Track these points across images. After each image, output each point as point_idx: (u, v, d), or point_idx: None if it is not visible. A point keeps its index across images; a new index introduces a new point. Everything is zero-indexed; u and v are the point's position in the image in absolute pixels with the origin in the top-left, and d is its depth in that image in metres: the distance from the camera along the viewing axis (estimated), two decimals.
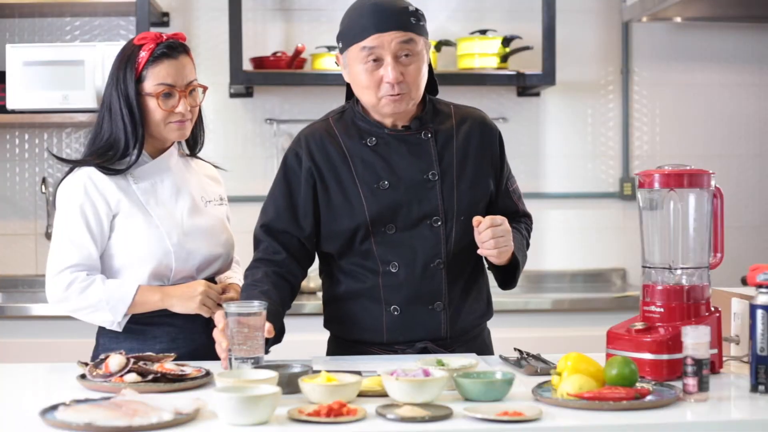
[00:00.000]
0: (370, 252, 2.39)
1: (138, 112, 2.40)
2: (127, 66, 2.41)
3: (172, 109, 2.42)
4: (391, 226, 2.38)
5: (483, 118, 2.52)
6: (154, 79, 2.40)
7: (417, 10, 2.38)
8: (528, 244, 2.55)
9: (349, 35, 2.36)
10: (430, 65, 2.47)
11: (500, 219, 2.30)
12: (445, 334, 2.41)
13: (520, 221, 2.55)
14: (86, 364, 2.15)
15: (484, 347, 2.52)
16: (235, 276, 2.63)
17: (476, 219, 2.30)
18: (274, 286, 2.37)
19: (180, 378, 2.05)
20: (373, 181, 2.39)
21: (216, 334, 2.20)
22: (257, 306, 2.16)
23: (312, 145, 2.43)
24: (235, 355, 2.14)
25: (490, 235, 2.28)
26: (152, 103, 2.41)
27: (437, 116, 2.47)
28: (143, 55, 2.40)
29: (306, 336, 2.67)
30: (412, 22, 2.34)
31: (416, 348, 2.39)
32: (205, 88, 2.51)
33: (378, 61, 2.32)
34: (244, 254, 2.76)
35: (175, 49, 2.43)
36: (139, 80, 2.40)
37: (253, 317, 2.14)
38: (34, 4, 4.17)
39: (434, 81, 2.51)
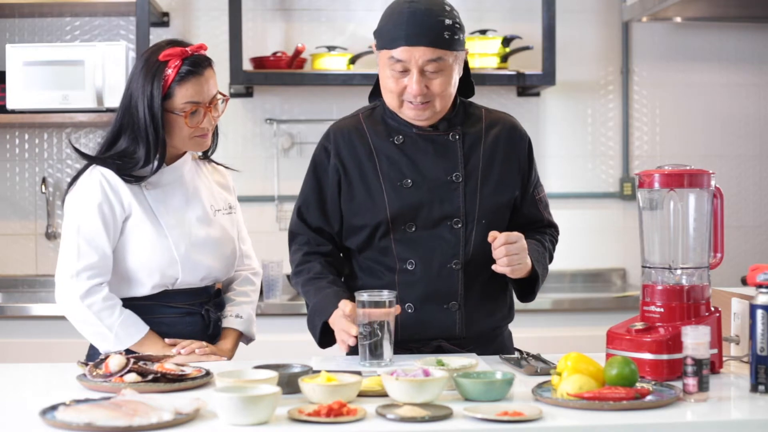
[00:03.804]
0: (389, 249, 2.41)
1: (162, 128, 2.39)
2: (153, 82, 2.38)
3: (197, 125, 2.43)
4: (411, 225, 2.39)
5: (513, 124, 2.52)
6: (181, 98, 2.39)
7: (454, 23, 2.34)
8: (551, 257, 2.53)
9: (381, 39, 2.37)
10: (467, 66, 2.47)
11: (515, 236, 2.29)
12: (459, 334, 2.41)
13: (545, 232, 2.54)
14: (86, 364, 2.15)
15: (503, 348, 2.49)
16: (250, 296, 2.65)
17: (491, 235, 2.29)
18: (335, 275, 2.45)
19: (180, 378, 2.05)
20: (396, 178, 2.40)
21: (344, 321, 2.23)
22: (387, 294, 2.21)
23: (339, 140, 2.46)
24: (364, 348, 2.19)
25: (504, 253, 2.27)
26: (179, 121, 2.41)
27: (468, 119, 2.48)
28: (170, 72, 2.38)
29: (306, 336, 2.66)
30: (445, 37, 2.32)
31: (431, 346, 2.40)
32: (226, 99, 2.50)
33: (405, 71, 2.33)
34: None
35: (200, 64, 2.42)
36: (165, 97, 2.39)
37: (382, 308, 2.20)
38: (34, 4, 4.17)
39: (470, 82, 2.51)
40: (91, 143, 4.34)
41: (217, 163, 2.67)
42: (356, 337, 2.20)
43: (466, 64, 2.47)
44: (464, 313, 2.41)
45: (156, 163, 2.42)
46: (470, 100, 2.55)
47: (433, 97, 2.35)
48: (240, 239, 2.65)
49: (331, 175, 2.45)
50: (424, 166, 2.41)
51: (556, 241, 2.59)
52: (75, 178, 2.47)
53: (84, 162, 2.49)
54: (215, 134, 2.57)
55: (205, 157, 2.62)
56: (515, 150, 2.48)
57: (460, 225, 2.39)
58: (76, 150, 2.55)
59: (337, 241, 2.49)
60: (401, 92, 2.35)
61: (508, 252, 2.27)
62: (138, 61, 2.45)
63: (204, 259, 2.48)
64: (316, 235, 2.48)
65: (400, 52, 2.31)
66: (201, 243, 2.47)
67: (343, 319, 2.24)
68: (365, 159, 2.42)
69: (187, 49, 2.41)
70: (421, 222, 2.39)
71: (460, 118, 2.46)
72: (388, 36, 2.34)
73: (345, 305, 2.25)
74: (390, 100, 2.39)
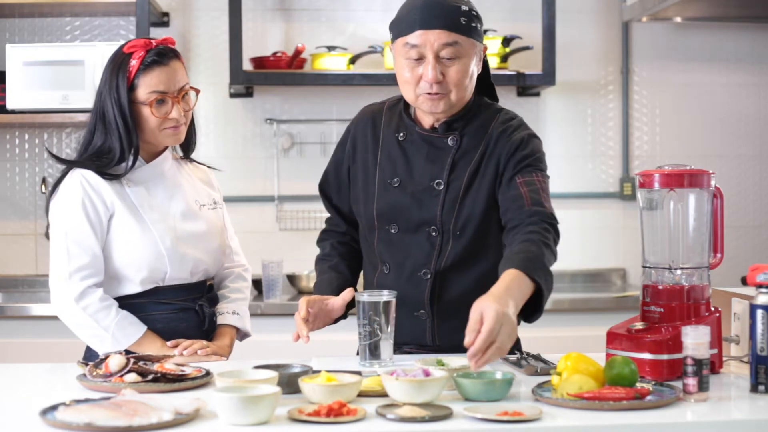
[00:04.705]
0: (373, 246, 2.41)
1: (131, 120, 2.40)
2: (119, 74, 2.40)
3: (165, 115, 2.42)
4: (394, 226, 2.37)
5: (508, 127, 2.35)
6: (146, 87, 2.40)
7: (470, 10, 2.30)
8: (552, 251, 2.23)
9: (397, 28, 2.33)
10: (487, 69, 2.42)
11: (485, 336, 1.93)
12: (431, 343, 2.38)
13: (530, 230, 2.22)
14: (86, 364, 2.15)
15: None
16: (244, 292, 2.66)
17: (467, 343, 1.95)
18: (342, 256, 2.48)
19: (180, 378, 2.05)
20: (388, 176, 2.39)
21: (298, 321, 2.24)
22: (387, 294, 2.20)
23: (359, 126, 2.47)
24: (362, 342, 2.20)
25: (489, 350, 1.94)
26: (146, 111, 2.41)
27: (474, 121, 2.37)
28: (134, 63, 2.40)
29: None
30: (461, 22, 2.26)
31: (402, 350, 2.38)
32: (197, 92, 2.51)
33: (420, 58, 2.27)
34: (246, 254, 2.76)
35: (165, 55, 2.42)
36: (131, 88, 2.40)
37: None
38: (34, 4, 4.17)
39: (492, 86, 2.45)
40: None
41: (200, 163, 2.68)
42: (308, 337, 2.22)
43: (486, 65, 2.42)
44: (436, 323, 2.36)
45: (131, 158, 2.43)
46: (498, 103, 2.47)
47: (448, 88, 2.28)
48: (227, 236, 2.66)
49: (345, 159, 2.48)
50: (415, 167, 2.36)
51: (551, 232, 2.26)
52: (56, 184, 2.48)
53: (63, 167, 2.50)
54: (193, 132, 2.58)
55: (186, 156, 2.62)
56: (498, 151, 2.32)
57: (436, 234, 2.35)
58: (53, 156, 2.56)
59: (354, 218, 2.50)
60: (417, 82, 2.28)
61: (485, 344, 1.93)
62: (108, 59, 2.47)
63: (191, 252, 2.48)
64: (335, 213, 2.53)
65: (415, 36, 2.26)
66: (187, 236, 2.48)
67: (297, 318, 2.24)
68: (371, 149, 2.42)
69: (151, 41, 2.43)
70: (403, 225, 2.36)
71: (465, 122, 2.36)
72: (402, 24, 2.30)
73: (302, 305, 2.23)
74: (407, 92, 2.33)
